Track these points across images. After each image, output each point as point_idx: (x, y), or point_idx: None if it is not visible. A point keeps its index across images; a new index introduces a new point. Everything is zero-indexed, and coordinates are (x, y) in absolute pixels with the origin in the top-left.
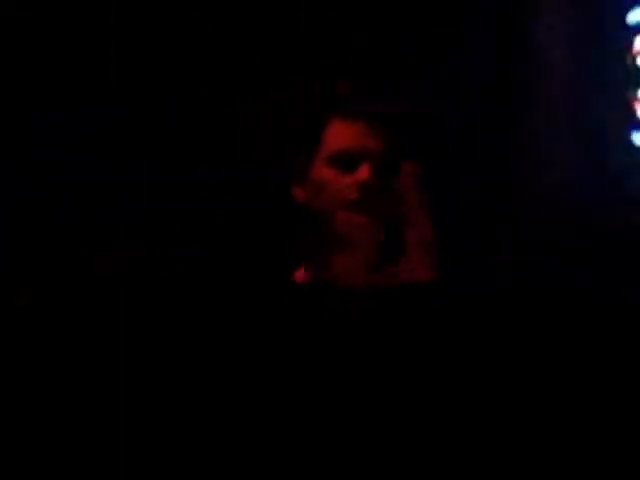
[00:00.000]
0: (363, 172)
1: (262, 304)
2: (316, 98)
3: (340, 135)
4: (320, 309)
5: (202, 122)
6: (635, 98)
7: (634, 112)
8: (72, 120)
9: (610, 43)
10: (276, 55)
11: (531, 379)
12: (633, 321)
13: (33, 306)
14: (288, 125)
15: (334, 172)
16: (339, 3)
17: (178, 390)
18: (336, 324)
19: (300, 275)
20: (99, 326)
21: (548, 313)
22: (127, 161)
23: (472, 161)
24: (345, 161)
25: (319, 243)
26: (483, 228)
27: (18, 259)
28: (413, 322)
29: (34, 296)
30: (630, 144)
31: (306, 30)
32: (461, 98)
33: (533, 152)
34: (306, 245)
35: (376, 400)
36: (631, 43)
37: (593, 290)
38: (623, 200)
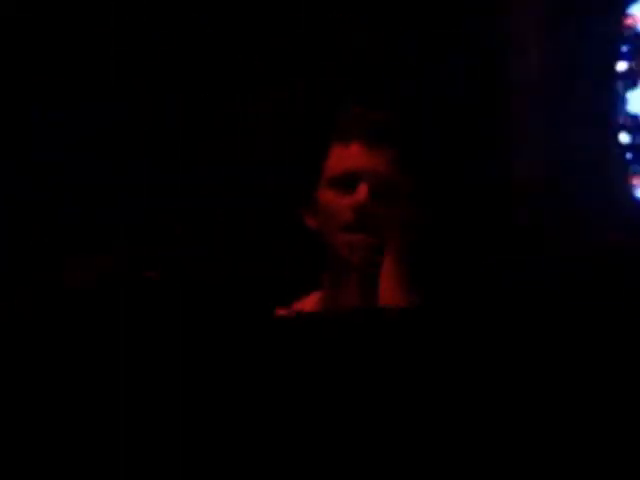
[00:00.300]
0: (360, 193)
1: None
2: (318, 122)
3: (338, 158)
4: (328, 336)
5: (202, 122)
6: None
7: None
8: (72, 120)
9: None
10: (276, 55)
11: (530, 382)
12: (633, 321)
13: (33, 305)
14: (288, 126)
15: (334, 194)
16: (339, 3)
17: (177, 392)
18: (342, 350)
19: (309, 302)
20: (99, 327)
21: (548, 314)
22: (127, 161)
23: (471, 161)
24: (344, 183)
25: (330, 269)
26: (482, 231)
27: (18, 259)
28: (411, 341)
29: (34, 296)
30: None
31: (306, 30)
32: (460, 98)
33: (532, 151)
34: (319, 272)
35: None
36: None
37: (592, 290)
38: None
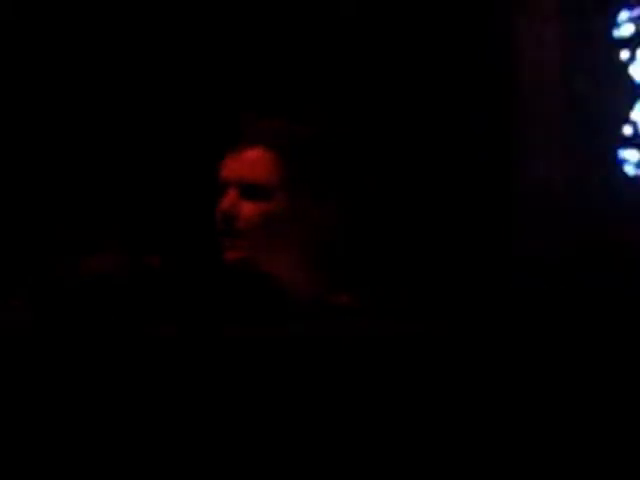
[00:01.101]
0: (223, 200)
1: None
2: None
3: None
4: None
5: (200, 125)
6: None
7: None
8: (72, 119)
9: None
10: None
11: (530, 385)
12: (633, 322)
13: (33, 304)
14: None
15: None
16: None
17: (178, 382)
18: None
19: None
20: (97, 326)
21: (548, 317)
22: (126, 160)
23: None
24: (222, 193)
25: None
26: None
27: (17, 259)
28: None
29: (34, 295)
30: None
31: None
32: (458, 96)
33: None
34: None
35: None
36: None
37: (594, 291)
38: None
